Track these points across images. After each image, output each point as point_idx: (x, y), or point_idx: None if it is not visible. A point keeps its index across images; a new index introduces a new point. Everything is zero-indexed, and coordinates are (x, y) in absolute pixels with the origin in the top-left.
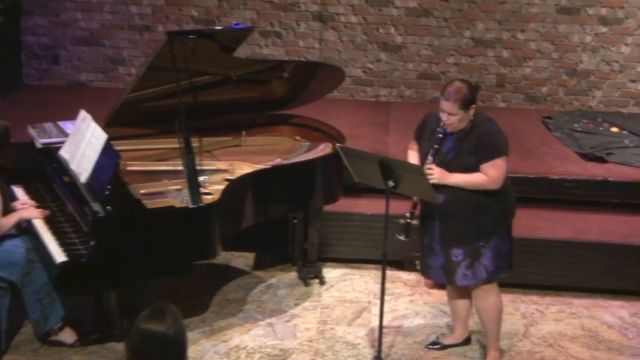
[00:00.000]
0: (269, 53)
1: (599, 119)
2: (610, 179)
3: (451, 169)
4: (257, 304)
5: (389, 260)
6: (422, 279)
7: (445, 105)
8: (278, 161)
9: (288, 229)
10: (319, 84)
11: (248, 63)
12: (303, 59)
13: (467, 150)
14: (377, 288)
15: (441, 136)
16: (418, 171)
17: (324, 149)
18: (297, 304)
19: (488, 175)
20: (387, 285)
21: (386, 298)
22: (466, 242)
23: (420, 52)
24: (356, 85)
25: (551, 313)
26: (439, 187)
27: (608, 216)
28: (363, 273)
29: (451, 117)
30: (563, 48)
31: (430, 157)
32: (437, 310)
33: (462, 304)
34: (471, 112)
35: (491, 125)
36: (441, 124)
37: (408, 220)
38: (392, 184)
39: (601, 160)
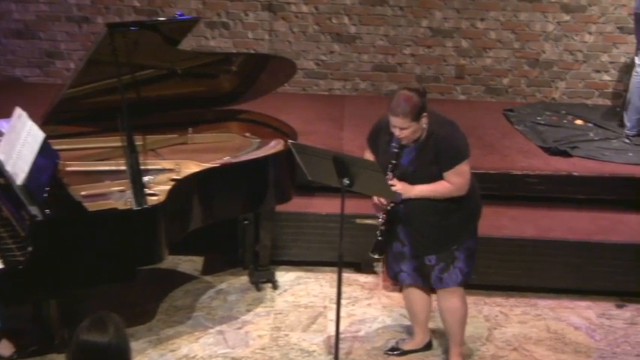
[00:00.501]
0: (216, 45)
1: (563, 111)
2: (575, 174)
3: (414, 181)
4: (206, 310)
5: (345, 262)
6: (380, 281)
7: (395, 121)
8: (227, 159)
9: (238, 231)
10: (269, 77)
11: (194, 56)
12: (252, 51)
13: (427, 160)
14: (333, 292)
15: (396, 151)
16: (374, 168)
17: (275, 146)
18: (248, 310)
19: (453, 182)
20: (344, 288)
21: (342, 302)
22: (437, 247)
23: (376, 43)
24: (308, 79)
25: (516, 316)
26: (406, 201)
27: (573, 213)
28: (318, 276)
29: (404, 131)
30: (524, 37)
31: (389, 173)
32: (396, 314)
33: (421, 307)
34: (424, 120)
35: (448, 129)
36: (395, 139)
37: (379, 238)
38: (347, 182)
39: (565, 154)
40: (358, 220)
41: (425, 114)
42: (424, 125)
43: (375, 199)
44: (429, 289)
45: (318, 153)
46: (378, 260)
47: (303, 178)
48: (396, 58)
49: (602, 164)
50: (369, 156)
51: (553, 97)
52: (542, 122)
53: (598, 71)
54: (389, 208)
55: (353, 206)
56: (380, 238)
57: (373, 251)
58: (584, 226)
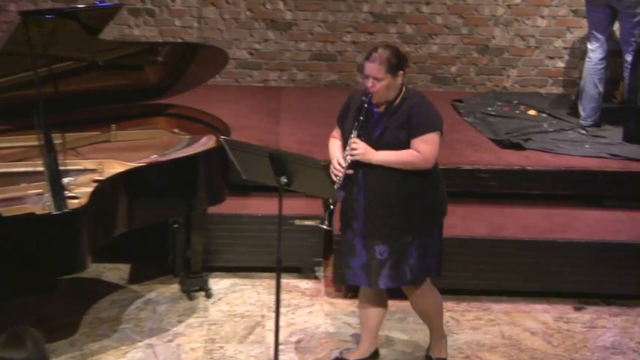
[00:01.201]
0: (140, 34)
1: (515, 101)
2: (529, 168)
3: (378, 147)
4: (134, 322)
5: (284, 267)
6: (322, 287)
7: (370, 68)
8: (154, 158)
9: (167, 236)
10: (199, 68)
11: (116, 46)
12: (180, 40)
13: (396, 124)
14: (271, 299)
15: (366, 106)
16: (314, 164)
17: (206, 143)
18: (180, 321)
19: (420, 150)
20: (283, 295)
21: (282, 310)
22: (391, 235)
23: (313, 30)
24: (241, 69)
25: (468, 321)
26: (366, 167)
27: (527, 209)
28: (255, 283)
29: (377, 83)
30: (473, 22)
31: (354, 132)
32: (340, 322)
33: (374, 313)
34: (399, 80)
35: (423, 99)
36: (366, 94)
37: (331, 207)
38: (285, 180)
39: (518, 146)
40: (297, 222)
41: (401, 73)
42: (399, 86)
43: (335, 162)
44: (385, 294)
45: (253, 149)
46: (317, 266)
47: (238, 177)
48: (336, 46)
49: (558, 157)
50: (336, 134)
51: (504, 85)
52: (493, 113)
53: (551, 58)
54: (347, 172)
55: (292, 206)
56: (332, 207)
57: (323, 222)
58: (539, 223)
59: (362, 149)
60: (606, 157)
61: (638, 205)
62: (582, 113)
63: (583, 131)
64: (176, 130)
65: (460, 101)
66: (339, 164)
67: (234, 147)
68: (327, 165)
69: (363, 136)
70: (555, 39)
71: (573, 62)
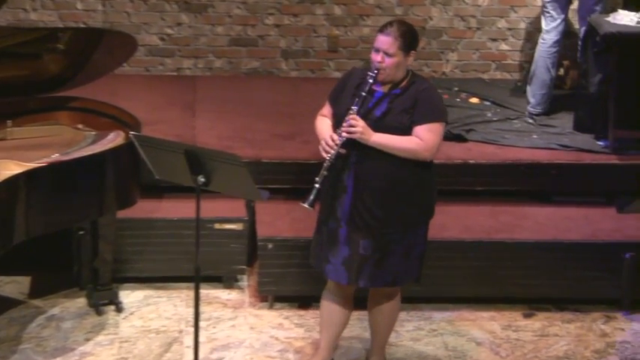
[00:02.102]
0: (38, 19)
1: (455, 88)
2: (471, 162)
3: (377, 129)
4: (36, 341)
5: (203, 276)
6: (246, 298)
7: (383, 41)
8: (56, 157)
9: (72, 244)
10: (105, 56)
11: (11, 33)
12: (83, 25)
13: (401, 107)
14: (190, 312)
15: (371, 81)
16: (235, 161)
17: (114, 139)
18: (88, 339)
19: (424, 138)
20: (203, 308)
21: (202, 324)
22: (376, 228)
23: (232, 12)
24: (152, 57)
25: (407, 332)
26: (360, 150)
27: (470, 207)
28: (171, 294)
29: (387, 59)
30: (408, 1)
31: (355, 107)
32: (266, 337)
33: (339, 318)
34: (410, 60)
35: (433, 86)
36: (373, 69)
37: (317, 186)
38: (203, 179)
39: (459, 138)
40: (218, 225)
41: (414, 52)
42: (408, 67)
43: (328, 138)
44: (352, 300)
45: (167, 146)
46: (240, 275)
47: (150, 176)
48: (257, 30)
49: (503, 149)
50: (325, 111)
51: (443, 71)
52: None
53: (494, 40)
54: (340, 150)
55: (211, 209)
56: (318, 185)
57: (305, 200)
58: (483, 222)
59: (361, 127)
60: (556, 149)
61: (590, 200)
62: (532, 100)
63: (530, 120)
64: (80, 126)
65: None
66: (333, 140)
67: (145, 143)
68: (251, 162)
69: (362, 116)
70: (498, 19)
71: (518, 44)
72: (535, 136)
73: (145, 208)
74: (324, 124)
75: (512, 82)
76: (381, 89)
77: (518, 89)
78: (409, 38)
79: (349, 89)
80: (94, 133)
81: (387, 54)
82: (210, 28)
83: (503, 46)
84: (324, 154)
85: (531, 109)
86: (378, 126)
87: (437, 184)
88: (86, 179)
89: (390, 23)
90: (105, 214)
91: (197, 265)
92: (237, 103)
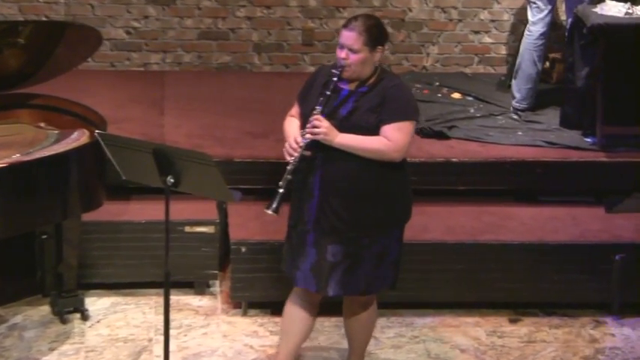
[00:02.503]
0: None
1: (437, 83)
2: (453, 160)
3: (343, 129)
4: None
5: (173, 282)
6: (219, 304)
7: (347, 37)
8: (16, 157)
9: (35, 249)
10: (68, 51)
11: None
12: (45, 19)
13: (368, 106)
14: (159, 320)
15: (335, 79)
16: (206, 161)
17: (78, 138)
18: (52, 349)
19: (392, 138)
20: (173, 315)
21: (172, 332)
22: (345, 233)
23: (201, 4)
24: (118, 51)
25: (388, 339)
26: (325, 152)
27: (453, 208)
28: (139, 301)
29: (352, 55)
30: None
31: (319, 107)
32: (240, 345)
33: (301, 327)
34: (377, 56)
35: (402, 83)
36: (338, 66)
37: (281, 190)
38: (172, 180)
39: (441, 135)
40: (188, 228)
41: (381, 48)
42: (375, 64)
43: (291, 140)
44: (317, 307)
45: (134, 145)
46: (212, 280)
47: (116, 177)
48: (228, 23)
49: (487, 147)
50: (293, 111)
51: (424, 65)
52: None
53: (477, 32)
54: (304, 152)
55: (181, 211)
56: (282, 190)
57: (269, 206)
58: (466, 223)
59: (325, 128)
60: (542, 146)
61: (578, 199)
62: (517, 95)
63: (515, 116)
64: (42, 125)
65: None
66: (296, 142)
67: (111, 142)
68: (222, 161)
69: (327, 115)
70: (481, 10)
71: (502, 37)
72: (520, 133)
73: (112, 211)
74: (291, 125)
75: (496, 76)
76: (347, 87)
77: (502, 84)
78: (375, 33)
79: (316, 88)
80: (56, 131)
81: (351, 50)
82: (178, 20)
83: (486, 39)
84: (288, 157)
85: (516, 105)
86: (344, 126)
87: (412, 184)
88: (49, 180)
89: (355, 17)
90: (69, 216)
91: (167, 270)
92: (207, 100)
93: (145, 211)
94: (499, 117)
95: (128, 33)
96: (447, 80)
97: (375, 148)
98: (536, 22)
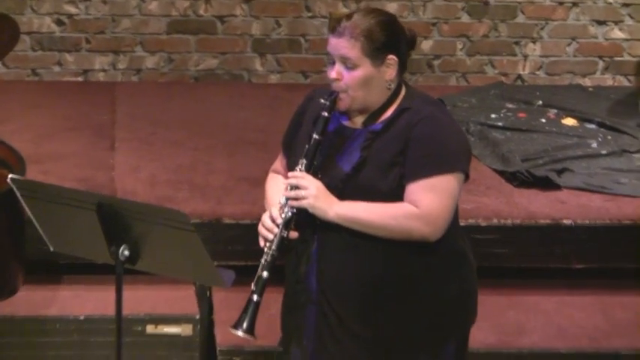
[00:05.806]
0: None
1: (539, 102)
2: (566, 223)
3: (347, 193)
4: None
5: None
6: None
7: (334, 45)
8: None
9: None
10: None
11: None
12: None
13: (385, 154)
14: None
15: (326, 114)
16: (180, 222)
17: None
18: None
19: (421, 204)
20: None
21: None
22: (362, 356)
23: None
24: (43, 51)
25: None
26: (323, 232)
27: (566, 297)
28: None
29: (347, 73)
30: None
31: (303, 160)
32: None
33: None
34: (390, 71)
35: (436, 110)
36: (330, 93)
37: (254, 298)
38: (126, 253)
39: (547, 183)
40: (151, 329)
41: (393, 57)
42: (388, 81)
43: (264, 216)
44: None
45: (68, 197)
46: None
47: (41, 248)
48: (215, 7)
49: (618, 201)
50: (278, 166)
51: (518, 73)
52: (499, 124)
53: (601, 22)
54: (285, 235)
55: (141, 301)
56: (256, 298)
57: (238, 326)
58: (587, 322)
59: (312, 189)
60: None
61: None
62: None
63: None
64: None
65: (440, 102)
66: (272, 219)
67: (32, 194)
68: (205, 222)
69: (320, 171)
70: None
71: None
72: None
73: (34, 301)
74: (274, 187)
75: (631, 91)
76: (350, 124)
77: None
78: (379, 34)
79: (307, 126)
80: None
81: (345, 65)
82: (137, 3)
83: (617, 33)
84: (262, 243)
85: None
86: (347, 188)
87: (496, 260)
88: None
89: (349, 15)
90: None
91: None
92: (181, 127)
93: (85, 301)
94: (636, 155)
95: (60, 23)
96: (556, 97)
97: (392, 221)
98: None
